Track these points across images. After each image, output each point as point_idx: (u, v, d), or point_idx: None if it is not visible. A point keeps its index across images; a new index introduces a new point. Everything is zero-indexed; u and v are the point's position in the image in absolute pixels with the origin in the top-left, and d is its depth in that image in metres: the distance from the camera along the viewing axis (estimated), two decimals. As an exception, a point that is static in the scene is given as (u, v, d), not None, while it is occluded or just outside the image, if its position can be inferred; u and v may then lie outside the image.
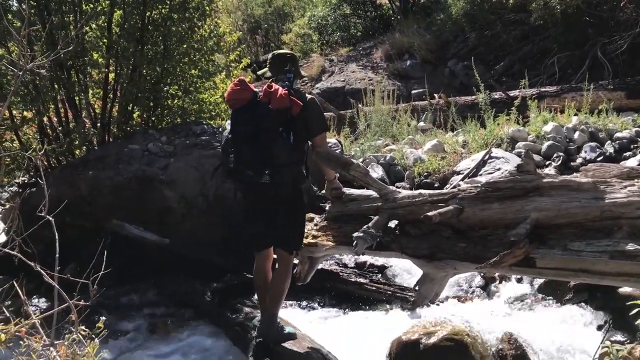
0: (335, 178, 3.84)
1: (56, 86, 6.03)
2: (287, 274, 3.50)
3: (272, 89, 3.29)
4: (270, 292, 3.49)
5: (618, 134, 7.27)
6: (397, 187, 6.16)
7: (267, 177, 3.22)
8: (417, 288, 3.81)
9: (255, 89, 3.40)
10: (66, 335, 1.98)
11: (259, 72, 3.84)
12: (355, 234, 3.41)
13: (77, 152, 6.23)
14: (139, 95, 6.46)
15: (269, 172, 3.21)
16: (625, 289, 3.65)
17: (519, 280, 4.47)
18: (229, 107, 3.46)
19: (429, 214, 3.09)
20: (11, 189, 6.61)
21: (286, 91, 3.29)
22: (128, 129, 6.55)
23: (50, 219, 2.30)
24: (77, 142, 6.00)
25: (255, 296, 3.86)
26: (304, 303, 4.57)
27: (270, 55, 3.69)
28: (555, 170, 6.41)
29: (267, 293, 3.50)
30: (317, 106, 3.46)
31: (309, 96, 3.44)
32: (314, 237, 3.89)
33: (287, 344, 3.45)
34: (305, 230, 3.93)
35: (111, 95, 6.46)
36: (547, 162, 6.86)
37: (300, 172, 3.42)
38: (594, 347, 3.04)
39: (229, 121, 3.45)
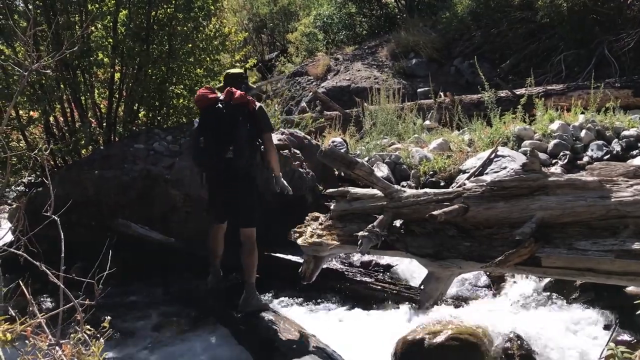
0: (280, 175, 4.32)
1: (62, 86, 6.05)
2: (252, 249, 4.13)
3: (233, 91, 4.12)
4: (244, 267, 4.14)
5: (625, 132, 7.23)
6: (403, 186, 6.17)
7: (231, 152, 3.95)
8: (422, 287, 3.80)
9: (218, 94, 4.20)
10: (71, 335, 1.98)
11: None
12: (360, 233, 3.42)
13: (83, 152, 6.25)
14: (145, 94, 6.47)
15: (233, 148, 3.94)
16: (632, 288, 3.63)
17: (525, 280, 4.45)
18: (198, 107, 4.37)
19: (434, 212, 3.09)
20: (18, 188, 6.62)
21: (244, 92, 4.14)
22: (134, 128, 6.56)
23: (56, 218, 2.30)
24: (83, 142, 6.02)
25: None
26: (310, 302, 4.56)
27: (224, 74, 4.56)
28: (562, 169, 6.39)
29: (242, 267, 4.17)
30: (265, 112, 4.30)
31: (258, 104, 4.22)
32: (319, 236, 3.89)
33: (292, 342, 3.45)
34: (310, 230, 3.94)
35: (117, 95, 6.47)
36: (554, 161, 6.83)
37: (255, 159, 4.15)
38: (600, 347, 3.03)
39: (197, 119, 4.33)
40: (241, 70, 4.65)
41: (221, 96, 4.18)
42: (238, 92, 4.14)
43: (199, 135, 4.14)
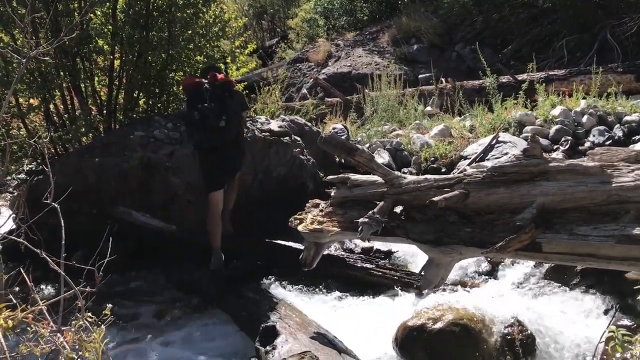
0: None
1: (61, 73, 6.01)
2: (236, 186, 5.18)
3: (216, 74, 4.81)
4: (227, 199, 5.02)
5: (627, 118, 7.20)
6: (404, 172, 6.15)
7: (223, 121, 4.56)
8: (422, 273, 3.80)
9: (203, 80, 4.83)
10: (73, 322, 1.99)
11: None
12: (361, 220, 3.41)
13: (83, 139, 6.23)
14: (145, 81, 6.44)
15: (225, 117, 4.57)
16: (633, 274, 3.64)
17: (526, 265, 4.46)
18: (186, 93, 5.10)
19: (435, 199, 3.08)
20: (19, 176, 6.62)
21: (224, 75, 4.93)
22: (134, 115, 6.54)
23: (56, 206, 2.30)
24: (83, 129, 6.00)
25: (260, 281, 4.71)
26: (310, 289, 4.58)
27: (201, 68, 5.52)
28: (563, 155, 6.36)
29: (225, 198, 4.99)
30: (241, 93, 5.43)
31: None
32: (320, 222, 3.88)
33: (293, 328, 3.47)
34: (311, 216, 3.94)
35: (117, 82, 6.44)
36: (555, 146, 6.81)
37: (241, 129, 5.09)
38: (600, 332, 3.03)
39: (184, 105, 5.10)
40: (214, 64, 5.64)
41: (205, 81, 4.80)
42: (221, 75, 4.84)
43: (192, 111, 4.64)
